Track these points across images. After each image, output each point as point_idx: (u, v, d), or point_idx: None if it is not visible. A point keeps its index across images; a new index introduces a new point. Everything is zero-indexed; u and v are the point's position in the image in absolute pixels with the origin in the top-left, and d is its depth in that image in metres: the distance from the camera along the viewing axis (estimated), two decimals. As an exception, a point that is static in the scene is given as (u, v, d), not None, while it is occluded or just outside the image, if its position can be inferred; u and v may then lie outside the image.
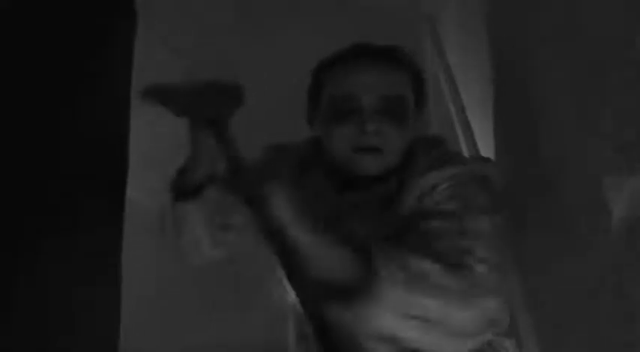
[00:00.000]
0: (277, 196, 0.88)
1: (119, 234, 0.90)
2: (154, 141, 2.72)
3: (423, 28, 2.56)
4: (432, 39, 2.39)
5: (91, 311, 0.80)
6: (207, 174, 0.99)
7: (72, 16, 0.85)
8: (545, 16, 1.11)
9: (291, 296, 1.07)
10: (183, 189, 1.01)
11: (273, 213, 0.85)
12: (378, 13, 2.82)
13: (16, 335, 0.64)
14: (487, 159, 1.16)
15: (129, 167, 1.02)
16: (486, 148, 1.70)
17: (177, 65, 2.71)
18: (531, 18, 1.22)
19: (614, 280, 0.87)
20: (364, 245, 0.90)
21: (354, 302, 0.88)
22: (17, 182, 0.70)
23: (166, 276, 2.57)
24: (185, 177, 1.03)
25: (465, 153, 1.83)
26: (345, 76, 1.07)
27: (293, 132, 1.26)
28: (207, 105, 0.98)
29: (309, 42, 2.73)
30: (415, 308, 0.90)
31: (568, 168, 1.02)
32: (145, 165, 2.60)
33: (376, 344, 0.92)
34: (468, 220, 0.97)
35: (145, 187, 2.70)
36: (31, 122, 0.77)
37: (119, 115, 0.94)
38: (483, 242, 0.96)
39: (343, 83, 1.07)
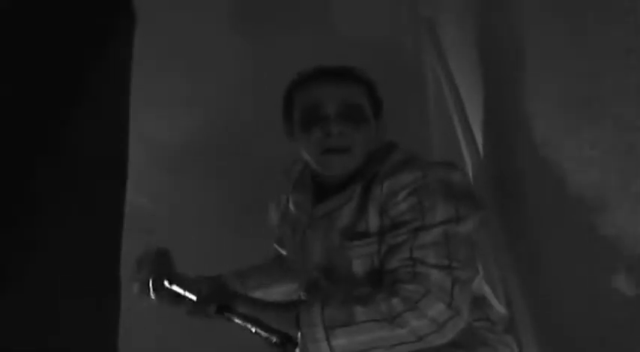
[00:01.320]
0: (237, 302, 1.18)
1: (118, 240, 0.90)
2: (154, 142, 2.72)
3: (422, 31, 2.57)
4: (431, 41, 2.39)
5: (90, 316, 0.79)
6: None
7: (69, 16, 0.85)
8: (539, 20, 1.12)
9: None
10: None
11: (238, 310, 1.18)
12: (378, 16, 2.82)
13: (14, 336, 0.64)
14: (449, 163, 1.21)
15: (129, 169, 1.02)
16: (486, 149, 1.70)
17: (176, 65, 2.71)
18: (525, 24, 1.22)
19: (617, 282, 0.87)
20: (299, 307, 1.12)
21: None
22: (12, 185, 0.70)
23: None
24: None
25: (466, 155, 1.83)
26: (312, 90, 1.24)
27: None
28: (151, 271, 1.34)
29: (309, 44, 2.73)
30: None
31: (568, 169, 1.02)
32: (145, 167, 2.61)
33: None
34: (422, 234, 1.10)
35: (144, 190, 2.71)
36: (27, 124, 0.77)
37: (118, 117, 0.94)
38: (436, 248, 1.09)
39: (310, 96, 1.24)
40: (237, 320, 1.17)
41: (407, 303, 1.05)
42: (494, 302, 1.29)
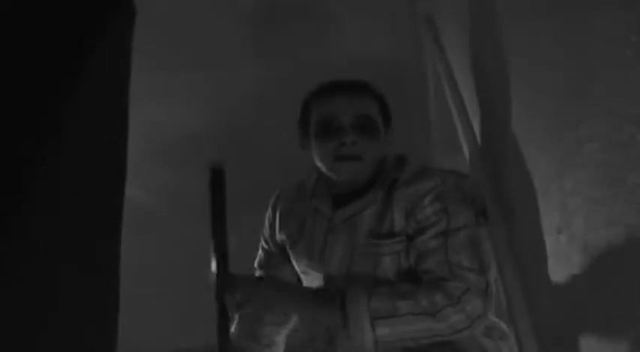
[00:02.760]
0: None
1: (117, 234, 0.90)
2: (154, 136, 2.72)
3: (422, 27, 2.57)
4: (431, 37, 2.39)
5: (88, 313, 0.80)
6: None
7: (68, 13, 0.85)
8: (537, 15, 1.11)
9: None
10: None
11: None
12: (379, 13, 2.82)
13: (9, 335, 0.64)
14: (459, 172, 1.33)
15: (127, 166, 1.02)
16: (484, 144, 1.70)
17: (176, 58, 2.72)
18: (522, 18, 1.22)
19: (615, 277, 0.88)
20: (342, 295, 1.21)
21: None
22: (12, 182, 0.70)
23: (164, 275, 2.58)
24: None
25: (465, 144, 1.84)
26: (327, 103, 1.35)
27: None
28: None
29: (310, 44, 2.74)
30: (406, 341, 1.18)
31: (564, 165, 1.02)
32: (144, 160, 2.61)
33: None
34: (451, 239, 1.22)
35: (143, 183, 2.71)
36: (24, 115, 0.77)
37: (117, 110, 0.94)
38: (466, 252, 1.21)
39: (326, 108, 1.34)
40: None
41: (450, 298, 1.16)
42: None
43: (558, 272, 1.13)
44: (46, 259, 0.70)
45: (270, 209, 1.59)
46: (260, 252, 1.61)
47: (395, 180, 1.33)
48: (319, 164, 1.38)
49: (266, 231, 1.60)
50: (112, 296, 0.86)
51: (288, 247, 1.51)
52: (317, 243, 1.42)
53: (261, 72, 2.75)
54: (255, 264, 1.60)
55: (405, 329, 1.17)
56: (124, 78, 0.97)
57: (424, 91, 2.76)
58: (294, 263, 1.50)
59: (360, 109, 1.33)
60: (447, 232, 1.23)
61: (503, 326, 1.39)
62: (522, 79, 1.26)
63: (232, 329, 1.38)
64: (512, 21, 1.31)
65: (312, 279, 1.46)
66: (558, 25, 1.01)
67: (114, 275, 0.87)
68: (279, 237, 1.55)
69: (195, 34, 2.73)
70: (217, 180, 1.25)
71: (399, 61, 2.88)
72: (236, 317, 1.41)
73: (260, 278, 1.30)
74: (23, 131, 0.75)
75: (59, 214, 0.75)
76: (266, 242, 1.61)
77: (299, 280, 1.52)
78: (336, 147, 1.31)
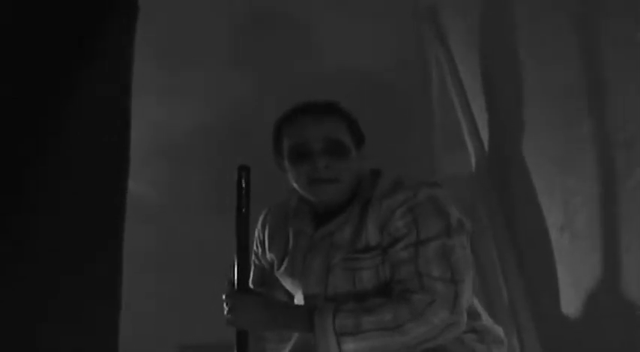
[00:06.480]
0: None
1: (120, 229, 0.89)
2: (156, 131, 2.73)
3: (425, 21, 2.56)
4: (435, 29, 2.38)
5: (92, 309, 0.79)
6: None
7: (69, 13, 0.85)
8: (542, 12, 1.11)
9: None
10: None
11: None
12: (381, 11, 2.82)
13: (9, 335, 0.64)
14: (432, 182, 1.35)
15: (130, 161, 1.02)
16: (490, 142, 1.70)
17: (178, 55, 2.72)
18: (528, 18, 1.21)
19: (614, 277, 0.87)
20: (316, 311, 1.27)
21: None
22: (12, 182, 0.70)
23: (165, 269, 2.58)
24: None
25: (469, 143, 1.83)
26: (297, 128, 1.39)
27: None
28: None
29: (313, 41, 2.74)
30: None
31: (568, 162, 1.02)
32: (146, 156, 2.62)
33: None
34: (422, 249, 1.25)
35: (146, 179, 2.72)
36: (30, 120, 0.77)
37: (120, 105, 0.94)
38: (437, 262, 1.23)
39: (296, 133, 1.38)
40: None
41: (413, 313, 1.20)
42: (482, 313, 1.35)
43: (561, 271, 1.13)
44: (46, 259, 0.70)
45: (260, 225, 1.63)
46: (253, 268, 1.64)
47: (370, 196, 1.37)
48: (295, 186, 1.41)
49: (257, 249, 1.64)
50: (114, 295, 0.86)
51: (275, 269, 1.55)
52: (298, 261, 1.47)
53: (262, 72, 2.75)
54: (250, 282, 1.62)
55: (370, 344, 1.24)
56: (125, 78, 0.97)
57: (427, 90, 2.76)
58: (282, 282, 1.54)
59: (329, 133, 1.37)
60: (418, 243, 1.27)
61: (499, 330, 1.40)
62: (526, 76, 1.26)
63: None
64: (517, 19, 1.30)
65: (299, 298, 1.50)
66: (563, 22, 1.01)
67: (115, 275, 0.86)
68: (269, 256, 1.59)
69: (195, 34, 2.73)
70: (243, 179, 1.32)
71: (402, 60, 2.88)
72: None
73: (244, 293, 1.33)
74: (23, 131, 0.75)
75: (59, 214, 0.75)
76: (257, 258, 1.64)
77: (290, 297, 1.55)
78: (310, 170, 1.35)
